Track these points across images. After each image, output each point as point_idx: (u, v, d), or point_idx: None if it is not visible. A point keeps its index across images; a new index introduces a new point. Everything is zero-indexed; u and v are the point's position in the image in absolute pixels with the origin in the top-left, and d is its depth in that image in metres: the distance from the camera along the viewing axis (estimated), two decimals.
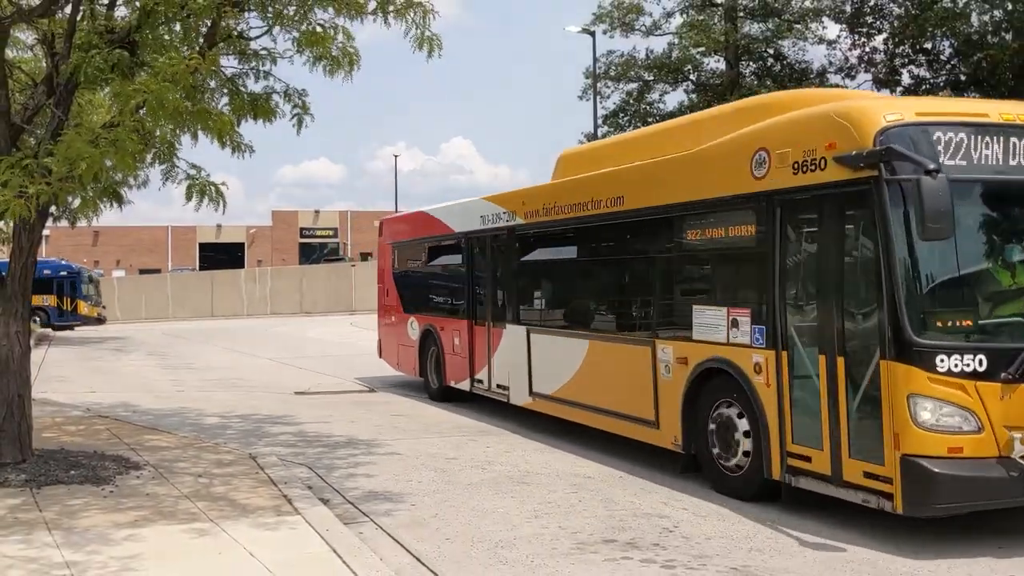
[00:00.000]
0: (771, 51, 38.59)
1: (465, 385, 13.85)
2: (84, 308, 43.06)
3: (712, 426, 8.47)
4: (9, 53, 10.07)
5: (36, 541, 6.38)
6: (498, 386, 12.88)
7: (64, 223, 32.39)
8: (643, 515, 7.66)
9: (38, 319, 42.37)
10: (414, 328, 15.86)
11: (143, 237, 73.05)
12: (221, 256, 70.63)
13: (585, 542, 6.86)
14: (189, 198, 8.27)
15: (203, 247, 74.55)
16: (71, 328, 41.97)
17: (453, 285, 14.90)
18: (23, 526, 6.74)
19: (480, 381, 13.42)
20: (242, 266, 67.53)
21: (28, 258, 8.72)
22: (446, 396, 14.64)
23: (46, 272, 43.72)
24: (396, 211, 61.55)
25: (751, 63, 39.26)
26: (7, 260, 8.94)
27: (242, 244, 75.18)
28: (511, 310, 12.56)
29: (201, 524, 6.86)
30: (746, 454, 8.07)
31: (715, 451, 8.44)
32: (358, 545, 6.48)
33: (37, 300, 42.00)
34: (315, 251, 74.02)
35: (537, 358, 11.80)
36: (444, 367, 14.59)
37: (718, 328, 8.39)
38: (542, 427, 12.00)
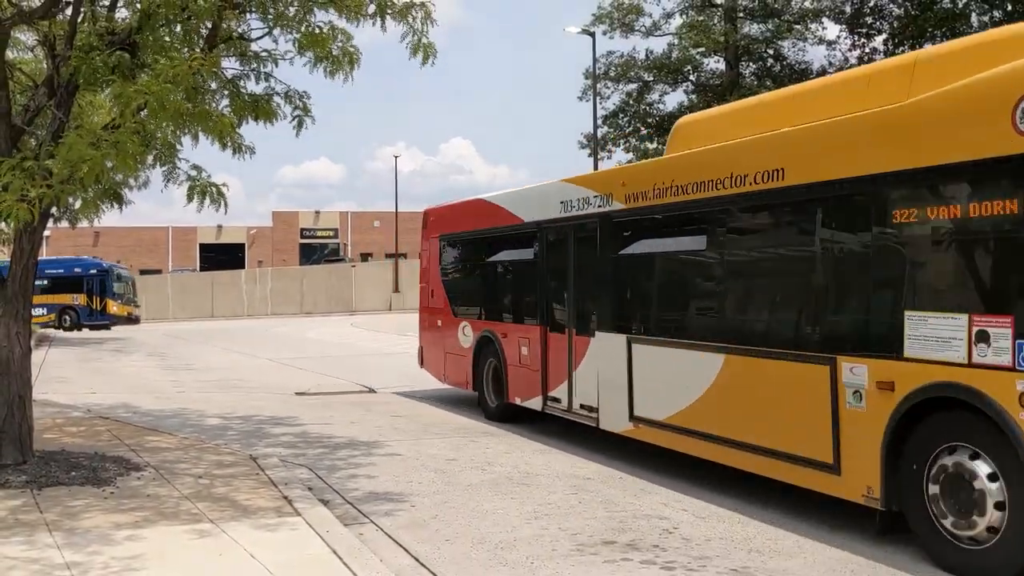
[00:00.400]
0: (771, 52, 38.65)
1: (535, 404, 11.80)
2: (113, 307, 42.28)
3: (935, 478, 6.35)
4: (10, 54, 10.09)
5: (38, 542, 6.39)
6: (582, 407, 10.74)
7: (64, 224, 32.39)
8: (643, 516, 7.67)
9: (68, 318, 41.53)
10: (467, 335, 13.83)
11: (144, 238, 73.11)
12: (222, 257, 70.72)
13: (585, 543, 6.88)
14: (190, 199, 8.29)
15: (204, 248, 74.61)
16: (107, 327, 41.15)
17: (521, 285, 12.80)
18: (24, 527, 6.75)
19: (556, 400, 11.34)
20: (242, 267, 67.59)
21: (29, 260, 8.74)
22: (507, 415, 12.67)
23: (76, 270, 42.85)
24: (396, 211, 61.73)
25: (751, 64, 39.32)
26: (8, 261, 8.94)
27: (243, 245, 75.23)
28: (604, 315, 10.36)
29: (202, 525, 6.87)
30: (997, 522, 5.97)
31: (938, 512, 6.33)
32: (358, 546, 6.49)
33: (67, 299, 41.22)
34: (315, 252, 74.10)
35: (642, 375, 9.59)
36: (506, 381, 12.51)
37: (951, 343, 6.23)
38: (542, 428, 12.02)
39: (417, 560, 6.48)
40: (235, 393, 16.58)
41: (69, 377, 19.07)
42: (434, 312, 15.28)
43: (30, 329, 8.96)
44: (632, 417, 9.75)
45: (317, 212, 77.90)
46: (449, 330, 14.50)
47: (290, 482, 8.42)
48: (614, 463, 9.83)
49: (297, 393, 16.39)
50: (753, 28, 38.21)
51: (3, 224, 11.46)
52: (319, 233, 76.65)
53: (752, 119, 8.94)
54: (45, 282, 42.87)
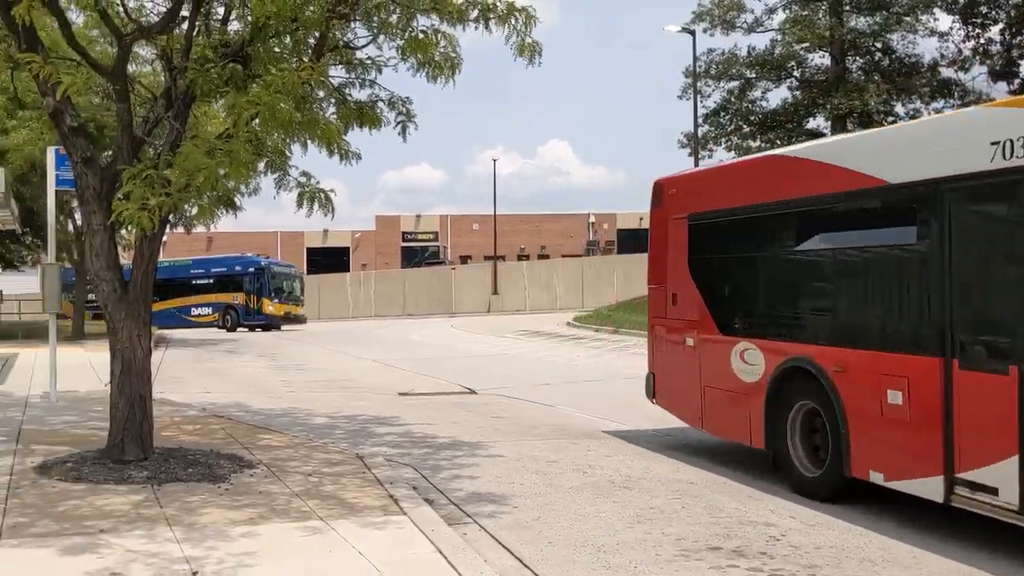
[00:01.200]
0: (879, 45, 37.55)
1: (927, 489, 7.22)
2: (269, 307, 41.26)
3: None
4: (130, 68, 10.57)
5: (158, 536, 6.65)
6: None
7: (180, 229, 33.70)
8: (749, 523, 7.53)
9: (229, 318, 41.33)
10: (751, 362, 9.33)
11: (254, 242, 75.25)
12: (328, 260, 72.39)
13: (689, 549, 6.79)
14: (300, 205, 8.52)
15: (311, 251, 76.51)
16: (276, 327, 40.26)
17: (879, 286, 8.03)
18: (145, 521, 7.04)
19: (986, 489, 6.72)
20: (347, 270, 69.09)
21: (148, 265, 9.12)
22: (843, 492, 8.18)
23: (237, 268, 42.57)
24: (495, 214, 62.09)
25: (858, 58, 38.29)
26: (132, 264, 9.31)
27: (347, 248, 76.90)
28: None
29: (312, 522, 7.05)
30: None
31: None
32: (463, 546, 6.55)
33: (229, 298, 41.21)
34: (416, 255, 75.20)
35: None
36: (847, 442, 7.98)
37: None
38: (641, 433, 11.92)
39: (521, 561, 6.50)
40: (341, 393, 16.97)
41: (184, 377, 19.81)
42: (680, 325, 10.75)
43: (150, 331, 9.35)
44: None
45: (418, 216, 79.04)
46: (712, 353, 10.05)
47: (395, 481, 8.56)
48: (717, 468, 9.67)
49: (400, 393, 16.67)
50: (860, 21, 37.17)
51: (123, 231, 12.00)
52: (420, 236, 77.73)
53: None
54: (211, 281, 43.30)
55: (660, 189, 11.43)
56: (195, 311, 43.28)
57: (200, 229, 35.86)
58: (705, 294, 10.38)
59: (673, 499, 8.35)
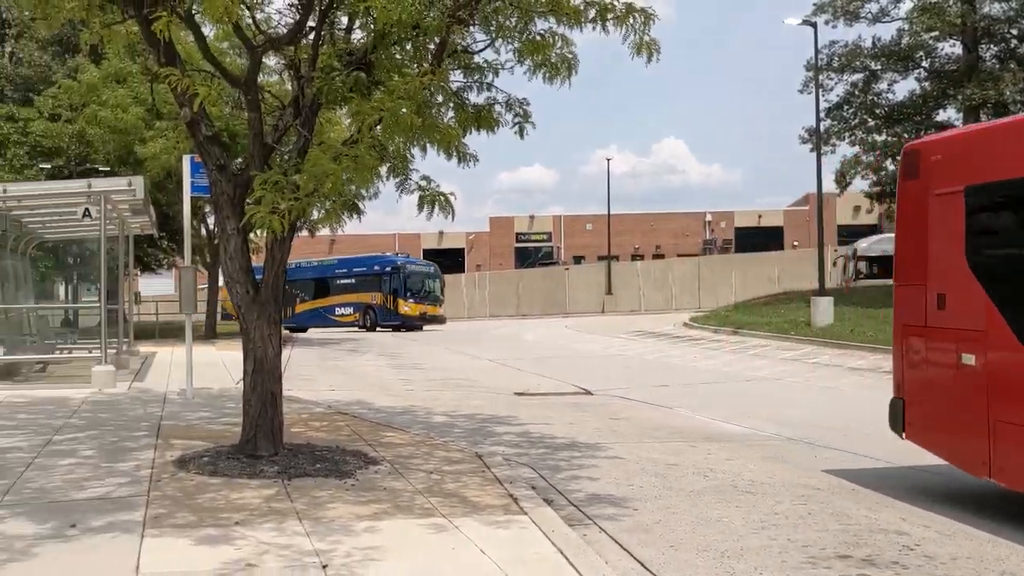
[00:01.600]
0: (1015, 32, 35.77)
1: None
2: (404, 307, 40.81)
3: None
4: (259, 78, 10.96)
5: (287, 529, 6.87)
6: None
7: (304, 232, 34.83)
8: (879, 531, 7.28)
9: (368, 318, 41.26)
10: None
11: (374, 244, 77.00)
12: (444, 261, 73.48)
13: (817, 556, 6.61)
14: (421, 208, 8.69)
15: (427, 253, 77.80)
16: (417, 328, 39.99)
17: None
18: (276, 515, 7.29)
19: None
20: (463, 271, 70.01)
21: (279, 267, 9.45)
22: None
23: (375, 268, 42.46)
24: (608, 214, 61.74)
25: (991, 46, 36.58)
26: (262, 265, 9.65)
27: (462, 249, 77.93)
28: None
29: (435, 519, 7.17)
30: None
31: None
32: (584, 548, 6.55)
33: (367, 298, 41.22)
34: (530, 255, 75.57)
35: None
36: None
37: None
38: (762, 436, 11.66)
39: (642, 564, 6.46)
40: (459, 392, 17.21)
41: (311, 375, 20.45)
42: (952, 336, 8.17)
43: (280, 331, 9.69)
44: None
45: (531, 216, 79.42)
46: (1011, 377, 7.52)
47: (515, 480, 8.63)
48: (844, 473, 9.39)
49: (516, 393, 16.79)
50: (994, 7, 35.48)
51: (252, 235, 12.47)
52: (533, 237, 78.10)
53: None
54: (352, 280, 43.53)
55: (915, 156, 8.69)
56: (338, 311, 43.94)
57: (324, 232, 36.92)
58: (997, 295, 7.71)
59: (799, 504, 8.15)
